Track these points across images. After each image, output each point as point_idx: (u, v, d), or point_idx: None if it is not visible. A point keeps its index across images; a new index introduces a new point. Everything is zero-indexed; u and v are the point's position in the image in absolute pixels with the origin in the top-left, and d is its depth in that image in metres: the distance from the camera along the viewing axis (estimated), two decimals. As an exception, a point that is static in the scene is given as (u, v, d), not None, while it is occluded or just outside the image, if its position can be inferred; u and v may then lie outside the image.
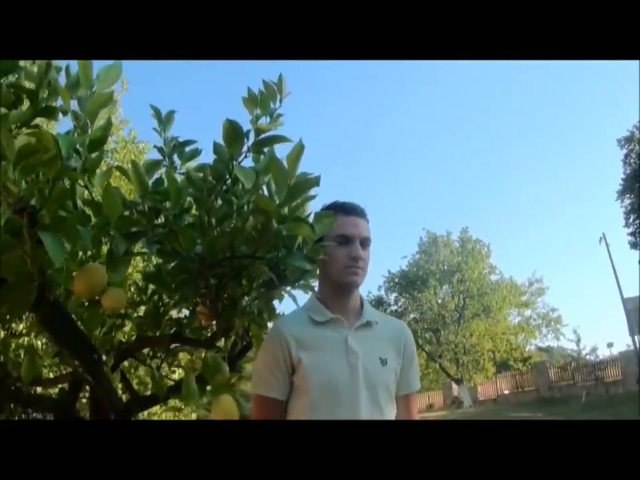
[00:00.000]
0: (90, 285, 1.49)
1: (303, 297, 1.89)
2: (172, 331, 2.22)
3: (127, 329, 2.45)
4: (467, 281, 36.86)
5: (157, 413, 6.26)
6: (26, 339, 2.24)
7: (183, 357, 2.95)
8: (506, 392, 33.64)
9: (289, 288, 1.90)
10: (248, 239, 1.49)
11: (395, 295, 38.55)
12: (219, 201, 1.55)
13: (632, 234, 31.23)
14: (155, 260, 2.12)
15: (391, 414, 2.02)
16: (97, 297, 1.63)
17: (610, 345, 44.07)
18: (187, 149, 1.83)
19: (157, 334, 2.27)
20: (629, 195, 30.95)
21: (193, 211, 1.68)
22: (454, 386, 35.70)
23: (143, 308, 2.36)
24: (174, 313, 2.37)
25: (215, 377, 1.78)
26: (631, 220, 31.25)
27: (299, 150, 1.44)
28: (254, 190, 1.41)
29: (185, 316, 2.29)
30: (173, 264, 1.64)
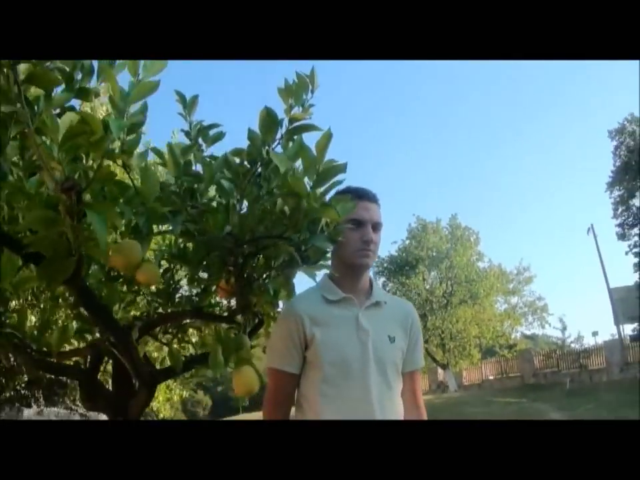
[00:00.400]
0: (126, 260, 1.57)
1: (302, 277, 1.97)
2: (190, 307, 2.31)
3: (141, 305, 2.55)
4: (455, 268, 36.96)
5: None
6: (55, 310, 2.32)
7: (191, 333, 3.04)
8: (491, 377, 33.88)
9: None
10: (276, 220, 1.58)
11: (383, 279, 38.64)
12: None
13: (620, 225, 31.52)
14: (167, 239, 2.19)
15: (397, 388, 2.13)
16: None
17: (595, 334, 44.72)
18: (211, 132, 1.91)
19: (169, 310, 2.36)
20: (618, 187, 31.20)
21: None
22: (440, 371, 35.90)
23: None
24: (184, 291, 2.46)
25: (238, 351, 1.88)
26: (619, 211, 31.53)
27: (327, 138, 1.53)
28: (285, 175, 1.50)
29: (197, 293, 2.38)
30: (198, 243, 1.73)
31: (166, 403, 15.21)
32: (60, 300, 2.29)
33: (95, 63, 1.69)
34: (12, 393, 16.66)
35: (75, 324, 2.24)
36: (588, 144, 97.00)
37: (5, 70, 1.42)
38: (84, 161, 1.67)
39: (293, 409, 2.16)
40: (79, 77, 1.70)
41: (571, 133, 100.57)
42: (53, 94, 1.52)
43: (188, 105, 1.89)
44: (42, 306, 2.40)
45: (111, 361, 2.19)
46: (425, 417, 2.25)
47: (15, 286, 1.93)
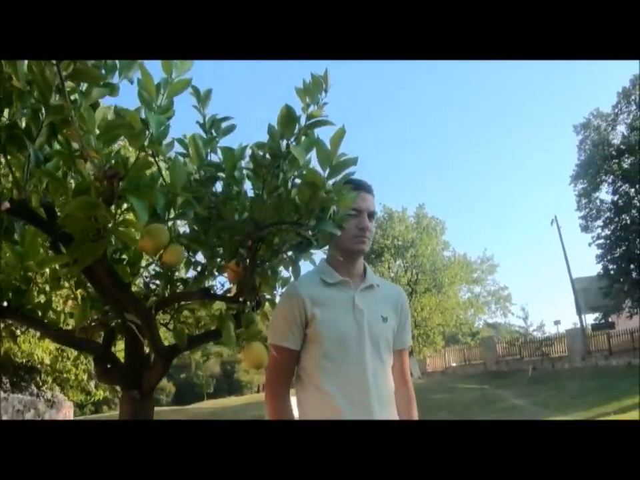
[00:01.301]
0: (155, 242, 1.72)
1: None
2: (185, 290, 2.45)
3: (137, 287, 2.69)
4: (420, 257, 37.31)
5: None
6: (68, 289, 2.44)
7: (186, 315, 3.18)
8: (454, 365, 34.31)
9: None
10: (292, 208, 1.74)
11: (349, 267, 38.73)
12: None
13: (583, 217, 32.13)
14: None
15: (389, 363, 2.33)
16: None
17: (557, 323, 45.36)
18: (223, 124, 2.06)
19: (166, 292, 2.50)
20: (582, 180, 31.77)
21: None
22: (404, 358, 36.26)
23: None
24: (181, 274, 2.60)
25: (249, 327, 2.04)
26: (582, 204, 32.12)
27: (340, 133, 1.70)
28: (304, 166, 1.66)
29: (195, 276, 2.52)
30: (217, 227, 1.88)
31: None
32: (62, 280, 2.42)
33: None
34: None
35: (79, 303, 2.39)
36: (553, 137, 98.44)
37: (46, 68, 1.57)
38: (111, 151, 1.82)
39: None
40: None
41: (537, 126, 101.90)
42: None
43: (202, 98, 2.02)
44: (41, 286, 2.52)
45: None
46: (412, 391, 2.45)
47: (39, 265, 2.06)
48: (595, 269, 33.01)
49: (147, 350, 2.35)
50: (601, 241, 30.32)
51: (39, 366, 15.28)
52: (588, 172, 30.82)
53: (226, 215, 1.81)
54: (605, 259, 29.74)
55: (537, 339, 33.21)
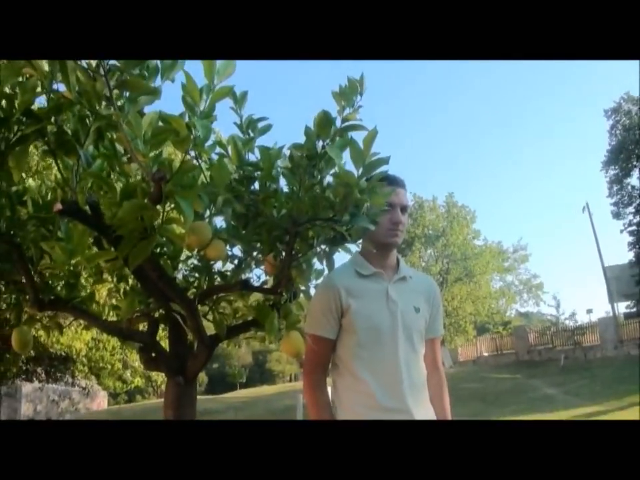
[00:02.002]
0: (200, 239, 1.83)
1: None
2: (223, 283, 2.56)
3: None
4: (451, 246, 37.28)
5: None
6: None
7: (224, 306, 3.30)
8: (485, 354, 34.18)
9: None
10: (327, 205, 1.84)
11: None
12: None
13: (615, 204, 31.80)
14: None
15: (421, 352, 2.42)
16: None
17: (589, 312, 44.95)
18: (260, 124, 2.16)
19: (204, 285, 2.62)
20: (613, 166, 31.41)
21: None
22: (435, 347, 36.15)
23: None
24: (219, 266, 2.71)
25: (287, 317, 2.16)
26: (614, 190, 31.77)
27: (373, 134, 1.79)
28: (339, 167, 1.76)
29: (233, 269, 2.64)
30: (257, 223, 1.99)
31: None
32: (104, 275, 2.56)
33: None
34: (17, 369, 16.93)
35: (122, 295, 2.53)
36: (585, 123, 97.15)
37: (94, 75, 1.67)
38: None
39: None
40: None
41: (568, 112, 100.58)
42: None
43: (238, 100, 2.12)
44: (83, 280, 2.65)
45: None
46: (444, 378, 2.54)
47: (88, 260, 2.18)
48: (627, 256, 32.71)
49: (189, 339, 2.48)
50: (633, 227, 30.03)
51: (74, 357, 15.60)
52: (619, 157, 30.46)
53: (264, 212, 1.92)
54: (637, 246, 29.46)
55: (569, 327, 32.89)
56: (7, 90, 1.76)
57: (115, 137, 1.84)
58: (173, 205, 1.84)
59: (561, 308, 50.74)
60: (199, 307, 2.94)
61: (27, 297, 2.21)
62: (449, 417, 2.47)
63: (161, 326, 2.55)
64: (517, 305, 41.40)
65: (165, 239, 2.17)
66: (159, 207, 1.74)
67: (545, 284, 42.19)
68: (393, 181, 2.36)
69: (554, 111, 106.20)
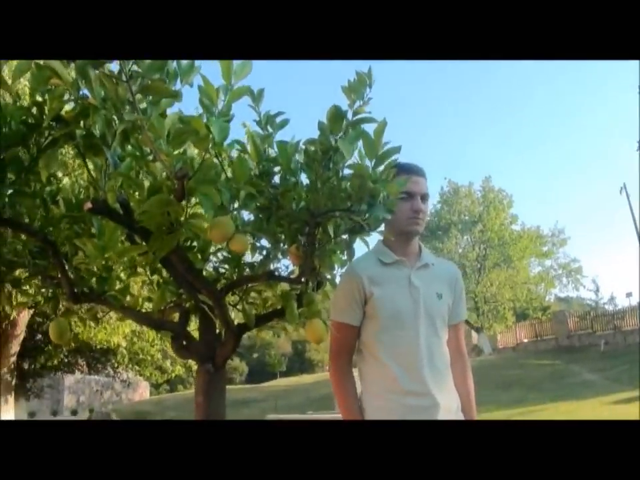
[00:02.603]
0: (223, 232, 1.92)
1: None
2: (252, 273, 2.66)
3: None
4: (488, 231, 36.91)
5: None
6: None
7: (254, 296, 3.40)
8: (525, 340, 33.80)
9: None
10: (344, 196, 1.92)
11: (416, 245, 38.58)
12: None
13: (654, 184, 31.18)
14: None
15: (444, 338, 2.47)
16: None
17: (629, 295, 43.95)
18: (278, 119, 2.23)
19: (235, 275, 2.72)
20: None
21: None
22: (474, 334, 35.87)
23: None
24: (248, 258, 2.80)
25: (310, 306, 2.24)
26: (652, 171, 31.13)
27: (383, 126, 1.86)
28: (351, 157, 1.84)
29: (261, 260, 2.72)
30: (279, 216, 2.08)
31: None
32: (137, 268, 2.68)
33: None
34: (58, 361, 17.32)
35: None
36: (618, 101, 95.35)
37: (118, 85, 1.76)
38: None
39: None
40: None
41: (601, 92, 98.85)
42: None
43: (256, 97, 2.20)
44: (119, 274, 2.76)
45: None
46: (467, 362, 2.59)
47: (119, 255, 2.29)
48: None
49: (218, 328, 2.58)
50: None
51: (114, 349, 15.90)
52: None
53: (285, 205, 2.00)
54: (677, 227, 28.88)
55: (608, 312, 32.38)
56: (38, 98, 1.87)
57: (139, 138, 1.93)
58: (197, 201, 1.94)
59: (600, 292, 49.80)
60: (230, 296, 3.06)
61: (63, 291, 2.33)
62: (473, 402, 2.51)
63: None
64: (556, 290, 40.86)
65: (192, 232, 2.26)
66: (183, 202, 1.83)
67: (584, 268, 41.66)
68: (412, 170, 2.41)
69: (589, 90, 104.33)
